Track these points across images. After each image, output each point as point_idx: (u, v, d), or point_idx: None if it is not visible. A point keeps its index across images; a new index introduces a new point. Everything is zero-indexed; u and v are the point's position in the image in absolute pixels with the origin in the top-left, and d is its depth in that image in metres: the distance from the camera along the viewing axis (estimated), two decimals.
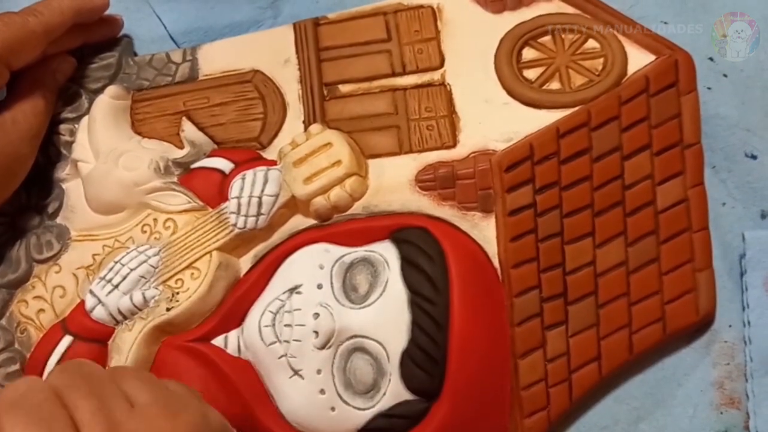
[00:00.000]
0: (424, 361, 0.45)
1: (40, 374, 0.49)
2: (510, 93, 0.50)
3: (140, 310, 0.49)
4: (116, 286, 0.50)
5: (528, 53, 0.51)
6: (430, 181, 0.49)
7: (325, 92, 0.53)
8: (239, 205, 0.50)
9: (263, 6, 0.58)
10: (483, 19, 0.52)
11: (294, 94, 0.53)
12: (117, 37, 0.57)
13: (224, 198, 0.50)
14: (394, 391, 0.45)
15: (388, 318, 0.46)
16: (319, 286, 0.47)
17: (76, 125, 0.54)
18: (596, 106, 0.49)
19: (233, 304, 0.49)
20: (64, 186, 0.54)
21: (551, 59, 0.51)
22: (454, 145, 0.50)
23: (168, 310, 0.49)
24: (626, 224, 0.48)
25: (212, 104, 0.54)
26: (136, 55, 0.57)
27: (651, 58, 0.49)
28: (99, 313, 0.49)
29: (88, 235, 0.52)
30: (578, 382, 0.47)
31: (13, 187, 0.52)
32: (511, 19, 0.52)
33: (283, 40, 0.54)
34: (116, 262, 0.50)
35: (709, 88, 0.51)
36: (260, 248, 0.50)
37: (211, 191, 0.51)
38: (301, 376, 0.46)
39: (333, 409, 0.46)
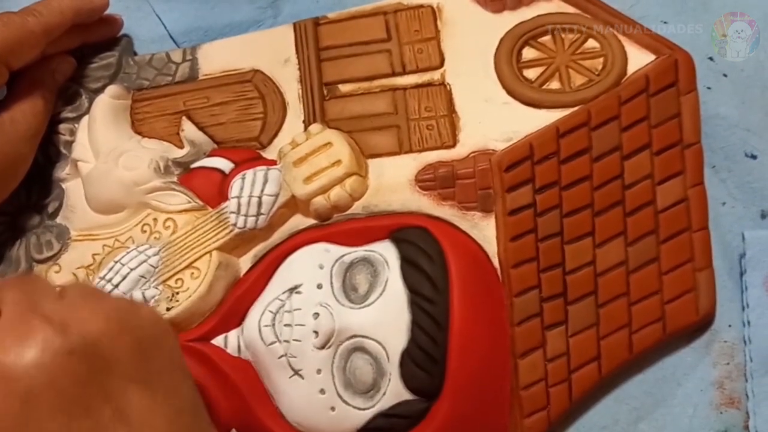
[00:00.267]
0: (424, 361, 0.45)
1: None
2: (510, 92, 0.50)
3: None
4: (116, 286, 0.50)
5: (528, 53, 0.51)
6: (430, 180, 0.49)
7: (325, 92, 0.53)
8: (239, 204, 0.50)
9: (263, 6, 0.58)
10: (483, 18, 0.52)
11: (294, 93, 0.53)
12: (117, 37, 0.57)
13: (224, 198, 0.50)
14: (394, 391, 0.45)
15: (387, 318, 0.46)
16: (319, 286, 0.47)
17: (76, 125, 0.54)
18: (596, 105, 0.49)
19: (233, 303, 0.49)
20: (64, 186, 0.54)
21: (551, 59, 0.51)
22: (454, 145, 0.50)
23: (168, 309, 0.49)
24: (626, 224, 0.48)
25: (212, 104, 0.54)
26: (136, 54, 0.57)
27: (651, 57, 0.49)
28: None
29: (88, 234, 0.52)
30: (578, 381, 0.47)
31: (12, 187, 0.52)
32: (511, 19, 0.52)
33: (283, 39, 0.54)
34: (116, 262, 0.50)
35: (709, 88, 0.51)
36: (260, 248, 0.50)
37: (211, 191, 0.51)
38: (301, 375, 0.46)
39: (333, 408, 0.46)
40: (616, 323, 0.47)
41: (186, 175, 0.52)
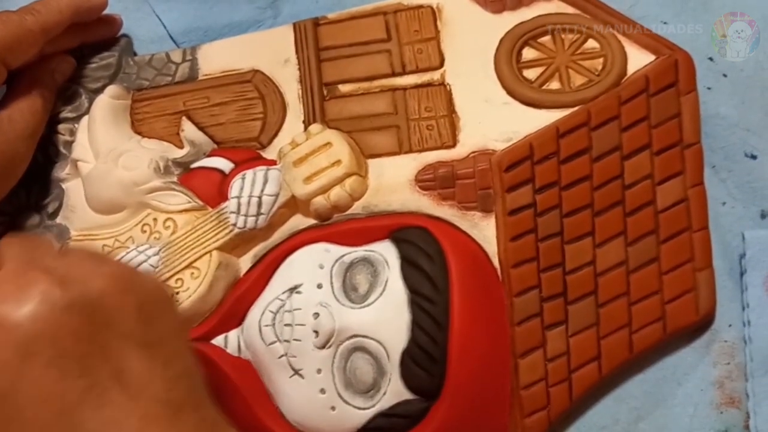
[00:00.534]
0: (424, 361, 0.45)
1: None
2: (510, 93, 0.50)
3: None
4: None
5: (528, 53, 0.51)
6: (429, 180, 0.49)
7: (325, 92, 0.53)
8: (239, 204, 0.50)
9: (263, 6, 0.58)
10: (483, 19, 0.52)
11: (294, 93, 0.53)
12: (116, 37, 0.57)
13: (224, 198, 0.50)
14: (394, 391, 0.45)
15: (388, 317, 0.45)
16: (319, 286, 0.47)
17: (76, 125, 0.54)
18: (596, 105, 0.49)
19: (233, 303, 0.49)
20: (64, 186, 0.54)
21: (551, 59, 0.51)
22: (453, 145, 0.50)
23: None
24: (626, 224, 0.48)
25: (212, 104, 0.54)
26: (135, 54, 0.56)
27: (651, 58, 0.49)
28: None
29: (88, 234, 0.52)
30: (578, 381, 0.47)
31: (10, 186, 0.52)
32: (510, 19, 0.52)
33: (283, 40, 0.54)
34: None
35: (709, 88, 0.51)
36: (260, 248, 0.50)
37: (211, 191, 0.51)
38: (301, 375, 0.46)
39: (333, 408, 0.46)
40: (616, 323, 0.47)
41: (186, 175, 0.52)
